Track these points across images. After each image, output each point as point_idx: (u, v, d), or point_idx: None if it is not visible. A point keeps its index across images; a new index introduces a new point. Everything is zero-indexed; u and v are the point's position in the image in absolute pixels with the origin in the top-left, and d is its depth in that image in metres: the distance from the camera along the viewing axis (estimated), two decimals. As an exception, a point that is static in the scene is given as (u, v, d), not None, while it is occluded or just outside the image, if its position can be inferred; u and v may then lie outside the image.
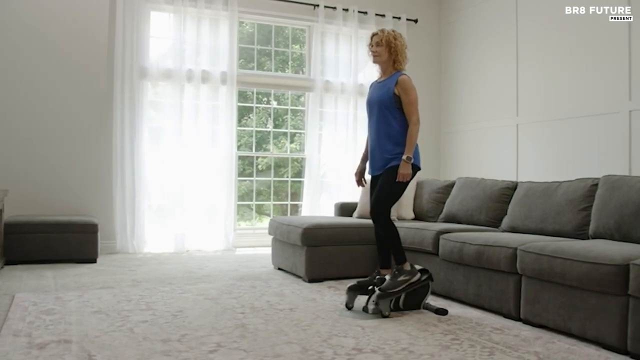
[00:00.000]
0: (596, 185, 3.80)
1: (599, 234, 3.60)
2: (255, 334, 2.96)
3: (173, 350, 2.66)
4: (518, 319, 3.38)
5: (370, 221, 4.61)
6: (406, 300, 3.55)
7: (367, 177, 3.90)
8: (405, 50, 3.63)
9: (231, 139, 6.62)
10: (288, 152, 7.82)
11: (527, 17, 6.30)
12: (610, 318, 2.77)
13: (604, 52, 5.38)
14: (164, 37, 6.52)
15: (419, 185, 5.50)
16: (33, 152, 5.90)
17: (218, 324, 3.14)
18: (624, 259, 2.75)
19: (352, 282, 3.72)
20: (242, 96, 7.21)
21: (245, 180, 7.66)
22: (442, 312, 3.48)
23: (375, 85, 3.73)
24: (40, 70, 5.94)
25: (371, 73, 7.29)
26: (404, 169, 3.45)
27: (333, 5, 7.08)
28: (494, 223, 4.50)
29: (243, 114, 7.66)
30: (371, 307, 3.44)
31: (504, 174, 6.31)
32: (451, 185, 5.20)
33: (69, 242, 5.32)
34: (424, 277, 3.55)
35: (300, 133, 7.58)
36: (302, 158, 7.38)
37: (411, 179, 3.55)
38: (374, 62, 3.69)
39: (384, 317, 3.36)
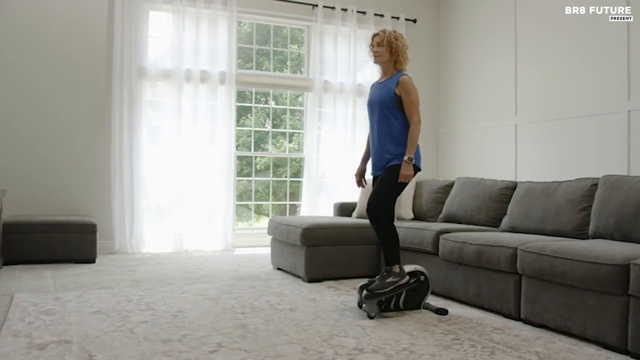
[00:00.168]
0: (596, 185, 3.80)
1: (599, 233, 3.60)
2: (255, 334, 2.96)
3: (174, 350, 2.65)
4: (518, 319, 3.38)
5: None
6: (406, 300, 3.55)
7: (368, 177, 3.90)
8: (406, 50, 3.62)
9: (230, 139, 6.61)
10: (287, 152, 7.82)
11: (525, 17, 6.31)
12: (611, 318, 2.77)
13: (602, 52, 5.38)
14: (162, 37, 6.51)
15: (418, 185, 5.50)
16: (32, 152, 5.89)
17: (218, 324, 3.14)
18: (625, 258, 2.75)
19: (362, 281, 3.69)
20: (240, 96, 7.20)
21: (242, 180, 7.65)
22: (443, 312, 3.48)
23: (376, 86, 3.73)
24: (39, 70, 5.93)
25: (370, 73, 7.30)
26: (406, 170, 3.44)
27: (332, 5, 7.08)
28: (494, 223, 4.50)
29: (241, 114, 7.65)
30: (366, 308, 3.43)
31: (503, 174, 6.32)
32: (450, 185, 5.20)
33: (68, 242, 5.31)
34: (412, 280, 3.53)
35: (298, 133, 7.58)
36: (300, 158, 7.38)
37: (411, 179, 3.54)
38: (375, 62, 3.68)
39: (370, 318, 3.34)
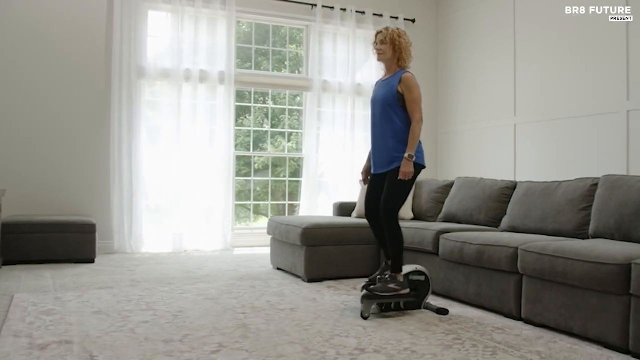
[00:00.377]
0: (596, 185, 3.80)
1: (599, 233, 3.61)
2: (257, 334, 2.95)
3: (175, 350, 2.65)
4: (519, 319, 3.39)
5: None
6: (407, 302, 3.55)
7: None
8: (410, 48, 3.62)
9: (229, 138, 6.61)
10: (286, 152, 7.82)
11: (525, 17, 6.32)
12: (612, 318, 2.78)
13: (602, 52, 5.39)
14: (161, 37, 6.50)
15: (417, 185, 5.51)
16: (31, 152, 5.87)
17: (219, 324, 3.13)
18: (626, 258, 2.75)
19: (351, 282, 3.70)
20: (239, 96, 7.20)
21: (239, 180, 7.64)
22: (443, 312, 3.49)
23: (379, 84, 3.72)
24: (39, 70, 5.91)
25: (369, 73, 7.32)
26: (406, 168, 3.43)
27: (331, 5, 7.08)
28: (494, 223, 4.50)
29: (239, 113, 7.64)
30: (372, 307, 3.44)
31: (502, 174, 6.32)
32: (450, 185, 5.20)
33: (67, 242, 5.30)
34: (411, 294, 3.52)
35: (297, 133, 7.57)
36: (299, 157, 7.38)
37: (416, 177, 3.53)
38: (379, 60, 3.68)
39: (364, 318, 3.33)
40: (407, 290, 3.49)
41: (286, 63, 7.57)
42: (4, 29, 5.79)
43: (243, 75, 6.89)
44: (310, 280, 4.55)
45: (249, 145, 7.50)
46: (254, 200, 7.69)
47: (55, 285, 4.22)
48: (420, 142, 3.54)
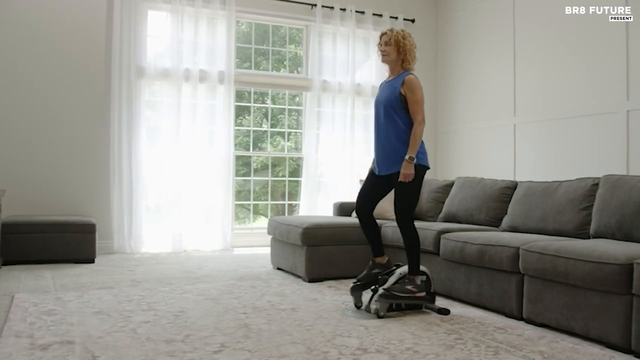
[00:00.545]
0: (597, 184, 3.81)
1: (600, 233, 3.61)
2: (258, 334, 2.95)
3: (177, 350, 2.64)
4: (520, 319, 3.39)
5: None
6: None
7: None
8: (414, 50, 3.62)
9: (229, 138, 6.60)
10: (285, 152, 7.81)
11: (524, 17, 6.32)
12: (614, 317, 2.78)
13: (601, 51, 5.40)
14: (161, 37, 6.49)
15: (421, 187, 5.48)
16: (31, 152, 5.86)
17: (221, 324, 3.13)
18: (628, 258, 2.76)
19: (351, 282, 3.70)
20: (238, 95, 7.19)
21: (238, 180, 7.64)
22: (444, 311, 3.49)
23: (383, 85, 3.72)
24: (39, 69, 5.90)
25: (369, 73, 7.32)
26: (406, 169, 3.43)
27: (330, 5, 7.08)
28: (494, 222, 4.50)
29: (238, 113, 7.64)
30: (374, 307, 3.44)
31: (501, 173, 6.32)
32: (450, 185, 5.20)
33: (67, 242, 5.29)
34: (428, 298, 3.53)
35: (295, 132, 7.57)
36: (297, 157, 7.37)
37: (422, 178, 3.53)
38: (383, 61, 3.68)
39: (379, 317, 3.34)
40: (423, 294, 3.50)
41: (285, 63, 7.57)
42: (4, 29, 5.78)
43: (243, 75, 6.88)
44: (310, 280, 4.55)
45: (248, 144, 7.50)
46: (253, 200, 7.69)
47: (56, 285, 4.21)
48: (422, 142, 3.54)
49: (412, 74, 3.58)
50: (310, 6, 7.01)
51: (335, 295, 4.00)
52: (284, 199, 7.72)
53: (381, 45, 3.64)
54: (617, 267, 2.76)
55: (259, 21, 7.12)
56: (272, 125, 7.90)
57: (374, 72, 7.28)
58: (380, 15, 7.33)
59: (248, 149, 7.51)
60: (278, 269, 5.20)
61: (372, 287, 3.58)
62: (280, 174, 7.90)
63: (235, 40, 6.78)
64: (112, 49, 6.10)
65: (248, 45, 7.27)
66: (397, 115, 3.53)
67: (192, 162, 6.43)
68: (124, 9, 6.10)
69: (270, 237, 5.37)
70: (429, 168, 3.61)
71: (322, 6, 7.03)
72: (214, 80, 6.53)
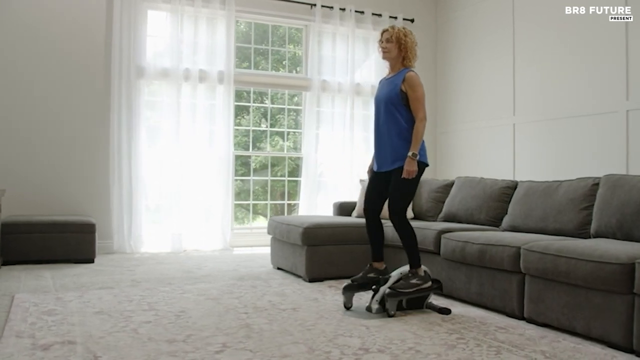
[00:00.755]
0: (597, 184, 3.81)
1: (601, 232, 3.61)
2: (260, 334, 2.95)
3: (179, 351, 2.64)
4: (521, 318, 3.39)
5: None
6: (409, 299, 3.55)
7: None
8: (415, 47, 3.63)
9: (228, 138, 6.59)
10: (285, 151, 7.81)
11: (523, 17, 6.33)
12: (616, 317, 2.78)
13: (601, 51, 5.40)
14: (161, 36, 6.49)
15: (418, 185, 5.48)
16: (31, 152, 5.86)
17: (222, 324, 3.12)
18: (629, 257, 2.76)
19: (346, 282, 3.70)
20: (236, 95, 7.19)
21: (237, 180, 7.64)
22: (446, 311, 3.49)
23: (383, 82, 3.72)
24: (38, 69, 5.90)
25: (368, 73, 7.32)
26: (410, 166, 3.45)
27: (330, 5, 7.08)
28: (494, 222, 4.50)
29: (237, 113, 7.64)
30: (375, 306, 3.44)
31: (501, 173, 6.32)
32: (450, 185, 5.20)
33: (67, 242, 5.28)
34: (434, 286, 3.55)
35: (294, 132, 7.57)
36: (296, 157, 7.37)
37: (420, 175, 3.55)
38: (384, 58, 3.68)
39: (390, 316, 3.36)
40: (430, 283, 3.51)
41: (284, 63, 7.56)
42: (4, 29, 5.77)
43: (242, 74, 6.88)
44: (311, 280, 4.54)
45: (246, 144, 7.49)
46: (252, 199, 7.69)
47: (56, 285, 4.21)
48: (423, 140, 3.54)
49: (413, 71, 3.58)
50: (309, 6, 7.01)
51: (336, 295, 3.99)
52: (282, 199, 7.72)
53: (382, 42, 3.64)
54: (618, 266, 2.76)
55: (259, 21, 7.12)
56: (271, 125, 7.90)
57: (373, 71, 7.28)
58: (380, 15, 7.33)
59: (247, 149, 7.51)
60: (278, 268, 5.19)
61: (373, 286, 3.58)
62: (279, 174, 7.90)
63: (235, 40, 6.78)
64: (111, 49, 6.09)
65: (247, 45, 7.26)
66: (397, 112, 3.53)
67: (192, 162, 6.42)
68: (123, 8, 6.09)
69: (269, 236, 5.37)
70: (428, 165, 3.61)
71: (322, 6, 7.03)
72: (213, 80, 6.53)
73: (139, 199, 6.19)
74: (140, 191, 6.20)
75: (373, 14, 7.29)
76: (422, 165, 3.55)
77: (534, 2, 6.19)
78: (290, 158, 7.62)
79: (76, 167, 6.02)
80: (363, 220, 4.85)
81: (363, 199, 5.35)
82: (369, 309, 3.48)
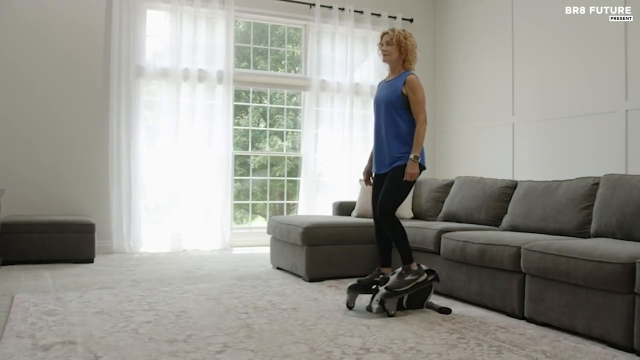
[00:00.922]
0: (597, 184, 3.81)
1: (601, 232, 3.62)
2: (261, 334, 2.94)
3: (180, 351, 2.64)
4: (522, 318, 3.39)
5: (370, 220, 4.63)
6: (409, 299, 3.55)
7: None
8: (415, 50, 3.63)
9: (227, 138, 6.59)
10: (284, 151, 7.81)
11: (522, 17, 6.33)
12: (616, 316, 2.78)
13: (600, 51, 5.40)
14: (160, 36, 6.48)
15: (417, 185, 5.51)
16: (30, 152, 5.85)
17: (223, 324, 3.12)
18: (630, 257, 2.76)
19: (352, 281, 3.71)
20: (235, 95, 7.18)
21: (235, 182, 7.64)
22: (446, 311, 3.49)
23: (383, 85, 3.73)
24: (37, 69, 5.89)
25: (367, 72, 7.32)
26: (412, 168, 3.45)
27: (329, 5, 7.08)
28: (494, 222, 4.51)
29: (235, 113, 7.63)
30: (375, 306, 3.43)
31: (500, 173, 6.33)
32: (450, 185, 5.20)
33: (66, 242, 5.28)
34: (430, 278, 3.55)
35: (292, 132, 7.56)
36: (295, 157, 7.36)
37: (416, 178, 3.55)
38: (384, 61, 3.68)
39: (390, 316, 3.36)
40: (425, 276, 3.51)
41: (283, 62, 7.56)
42: (4, 29, 5.76)
43: (242, 74, 6.87)
44: (311, 280, 4.54)
45: (245, 144, 7.49)
46: (251, 199, 7.69)
47: (55, 285, 4.20)
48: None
49: (413, 74, 3.59)
50: (308, 6, 7.01)
51: (336, 295, 3.99)
52: (281, 199, 7.72)
53: (382, 44, 3.64)
54: (619, 266, 2.76)
55: (258, 21, 7.11)
56: (270, 125, 7.90)
57: (372, 71, 7.28)
58: (379, 15, 7.33)
59: (245, 149, 7.50)
60: (278, 268, 5.19)
61: (374, 286, 3.58)
62: (277, 174, 7.90)
63: (234, 39, 6.77)
64: (111, 49, 6.08)
65: (246, 44, 7.26)
66: (397, 115, 3.54)
67: (191, 162, 6.42)
68: (123, 8, 6.08)
69: (268, 236, 5.37)
70: (425, 168, 3.62)
71: (321, 6, 7.03)
72: (212, 79, 6.52)
73: (138, 198, 6.18)
74: (139, 191, 6.19)
75: (372, 13, 7.29)
76: (420, 168, 3.56)
77: (532, 2, 6.20)
78: (289, 158, 7.62)
79: (75, 167, 6.02)
80: (363, 220, 4.89)
81: (363, 199, 5.39)
82: (369, 308, 3.48)
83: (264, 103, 7.79)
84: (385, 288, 3.43)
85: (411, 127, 3.54)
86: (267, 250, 5.71)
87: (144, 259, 5.73)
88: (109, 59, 6.10)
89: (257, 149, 7.77)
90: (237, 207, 7.77)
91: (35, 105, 5.88)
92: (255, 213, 8.11)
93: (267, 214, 7.56)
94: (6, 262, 5.14)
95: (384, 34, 3.65)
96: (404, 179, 3.48)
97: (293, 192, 7.44)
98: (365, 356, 2.59)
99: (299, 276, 4.73)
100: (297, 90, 7.32)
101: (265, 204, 7.80)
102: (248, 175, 7.83)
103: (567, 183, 4.02)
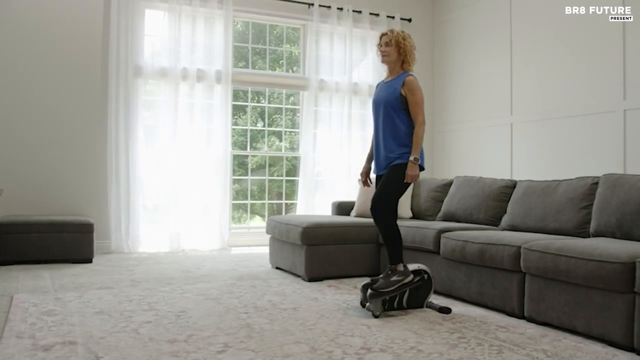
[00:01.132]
0: (596, 183, 3.82)
1: (600, 232, 3.62)
2: (261, 333, 2.94)
3: (181, 351, 2.63)
4: (522, 317, 3.40)
5: (370, 220, 4.64)
6: (409, 298, 3.56)
7: (373, 176, 3.89)
8: (414, 51, 3.63)
9: (226, 138, 6.58)
10: (283, 151, 7.81)
11: (521, 17, 6.34)
12: (616, 316, 2.79)
13: (598, 51, 5.41)
14: (158, 36, 6.47)
15: (416, 184, 5.51)
16: (28, 152, 5.83)
17: (223, 324, 3.12)
18: (630, 256, 2.77)
19: (365, 280, 3.70)
20: (233, 95, 7.17)
21: (234, 183, 7.63)
22: (446, 310, 3.49)
23: (381, 86, 3.72)
24: (36, 69, 5.87)
25: (366, 72, 7.32)
26: (412, 170, 3.45)
27: (327, 4, 7.07)
28: (494, 221, 4.51)
29: (234, 113, 7.63)
30: (371, 307, 3.44)
31: (499, 172, 6.33)
32: (449, 184, 5.21)
33: (65, 242, 5.26)
34: (416, 279, 3.53)
35: (291, 131, 7.56)
36: (292, 157, 7.36)
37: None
38: (382, 61, 3.68)
39: (375, 317, 3.34)
40: (411, 277, 3.49)
41: (282, 62, 7.56)
42: (3, 29, 5.75)
43: (240, 74, 6.87)
44: (310, 280, 4.54)
45: (243, 144, 7.48)
46: (249, 199, 7.68)
47: (54, 286, 4.19)
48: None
49: (412, 75, 3.59)
50: (307, 5, 7.01)
51: (336, 295, 3.99)
52: (279, 199, 7.72)
53: (381, 45, 3.64)
54: (619, 265, 2.77)
55: (256, 20, 7.10)
56: (268, 125, 7.89)
57: (371, 71, 7.28)
58: (377, 15, 7.33)
59: (244, 149, 7.50)
60: (277, 268, 5.19)
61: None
62: (275, 174, 7.90)
63: (232, 39, 6.76)
64: (109, 48, 6.07)
65: (244, 44, 7.25)
66: (396, 116, 3.54)
67: (190, 162, 6.41)
68: (121, 8, 6.07)
69: (267, 236, 5.36)
70: (424, 169, 3.61)
71: (319, 5, 7.02)
72: (211, 79, 6.52)
73: (137, 198, 6.17)
74: (137, 191, 6.18)
75: (370, 13, 7.29)
76: (419, 169, 3.55)
77: (531, 2, 6.21)
78: (287, 158, 7.61)
79: (74, 167, 6.00)
80: (362, 220, 4.89)
81: (362, 199, 5.38)
82: (369, 308, 3.48)
83: (262, 103, 7.78)
84: (371, 288, 3.43)
85: (410, 129, 3.53)
86: (265, 250, 5.71)
87: (142, 258, 5.72)
88: (107, 58, 6.09)
89: (255, 149, 7.76)
90: (235, 206, 7.76)
91: (34, 104, 5.86)
92: (253, 213, 8.10)
93: (266, 213, 7.55)
94: (5, 262, 5.12)
95: (382, 34, 3.65)
96: (404, 181, 3.47)
97: (291, 192, 7.44)
98: (367, 356, 2.59)
99: (298, 276, 4.73)
100: (295, 90, 7.32)
101: (264, 203, 7.80)
102: (246, 175, 7.82)
103: (567, 183, 4.03)
